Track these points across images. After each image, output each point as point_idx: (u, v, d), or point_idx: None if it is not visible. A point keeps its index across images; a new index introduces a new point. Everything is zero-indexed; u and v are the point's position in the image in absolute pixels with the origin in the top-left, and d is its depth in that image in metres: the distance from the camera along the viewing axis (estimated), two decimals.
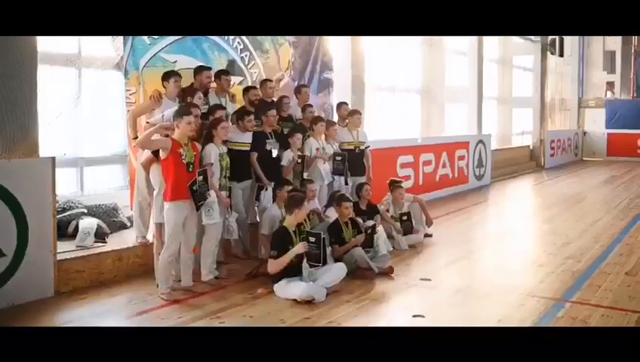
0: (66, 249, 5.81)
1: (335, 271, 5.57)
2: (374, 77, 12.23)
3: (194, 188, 5.25)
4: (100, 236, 6.29)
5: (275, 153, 6.86)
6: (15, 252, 5.06)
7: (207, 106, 6.42)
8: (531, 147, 18.53)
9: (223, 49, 7.19)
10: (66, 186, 7.06)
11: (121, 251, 5.99)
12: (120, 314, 5.06)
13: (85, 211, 6.57)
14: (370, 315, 5.04)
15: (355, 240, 6.22)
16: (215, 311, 5.04)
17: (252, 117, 6.54)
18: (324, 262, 5.56)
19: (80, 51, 6.93)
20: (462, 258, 6.95)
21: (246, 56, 7.52)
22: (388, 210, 7.65)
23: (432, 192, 11.61)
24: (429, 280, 6.00)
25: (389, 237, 7.43)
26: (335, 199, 6.60)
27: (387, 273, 6.13)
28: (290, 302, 5.24)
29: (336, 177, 7.40)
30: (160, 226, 5.59)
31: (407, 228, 7.51)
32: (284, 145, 7.01)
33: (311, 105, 7.78)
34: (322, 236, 5.43)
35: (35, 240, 5.19)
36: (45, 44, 6.49)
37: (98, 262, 5.79)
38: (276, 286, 5.43)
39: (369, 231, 6.25)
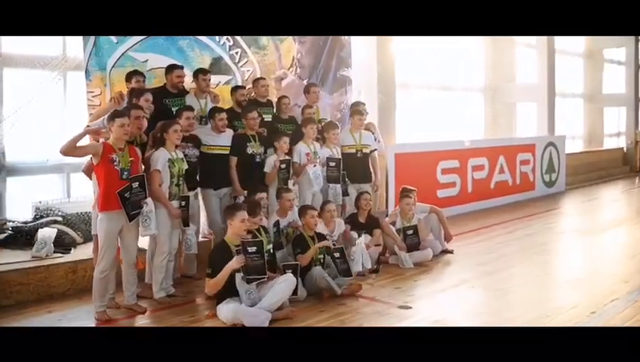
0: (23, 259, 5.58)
1: (277, 292, 4.81)
2: (423, 75, 11.29)
3: (125, 195, 4.75)
4: (66, 246, 5.99)
5: (259, 158, 6.24)
6: None
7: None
8: (625, 149, 16.50)
9: (207, 46, 6.66)
10: (52, 193, 6.89)
11: (76, 263, 5.63)
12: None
13: (59, 219, 6.31)
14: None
15: (322, 244, 5.53)
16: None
17: (223, 115, 5.96)
18: (290, 271, 5.09)
19: (65, 53, 6.71)
20: (468, 281, 5.93)
21: (236, 53, 6.95)
22: (394, 223, 6.76)
23: (484, 201, 10.49)
24: (409, 307, 5.12)
25: (393, 253, 6.59)
26: (299, 209, 5.86)
27: (353, 293, 5.38)
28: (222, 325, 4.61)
29: (331, 185, 6.62)
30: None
31: (413, 244, 6.58)
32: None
33: (311, 107, 7.07)
34: (264, 243, 4.79)
35: None
36: (22, 47, 6.35)
37: (47, 274, 5.46)
38: (217, 308, 4.81)
39: (337, 259, 5.44)
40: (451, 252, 7.07)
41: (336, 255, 5.48)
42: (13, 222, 6.24)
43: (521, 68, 13.62)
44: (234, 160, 6.13)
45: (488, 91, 13.03)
